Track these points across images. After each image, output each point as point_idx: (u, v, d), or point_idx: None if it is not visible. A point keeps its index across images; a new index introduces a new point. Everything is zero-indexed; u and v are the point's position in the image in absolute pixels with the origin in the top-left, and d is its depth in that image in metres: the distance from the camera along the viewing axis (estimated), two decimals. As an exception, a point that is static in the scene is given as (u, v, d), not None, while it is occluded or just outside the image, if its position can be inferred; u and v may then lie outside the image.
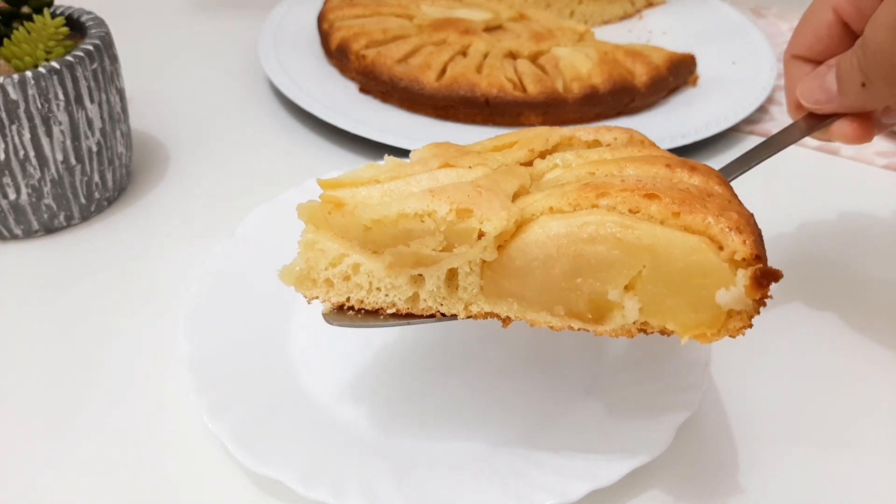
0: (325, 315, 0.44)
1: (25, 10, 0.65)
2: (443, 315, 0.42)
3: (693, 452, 0.50)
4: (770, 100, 0.90)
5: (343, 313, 0.43)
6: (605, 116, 0.83)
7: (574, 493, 0.43)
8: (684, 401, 0.48)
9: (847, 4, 0.49)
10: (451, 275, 0.41)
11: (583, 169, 0.41)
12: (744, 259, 0.35)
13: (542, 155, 0.45)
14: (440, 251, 0.39)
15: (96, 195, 0.68)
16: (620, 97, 0.82)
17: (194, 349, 0.51)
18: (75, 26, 0.68)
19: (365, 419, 0.50)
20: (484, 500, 0.44)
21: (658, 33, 1.06)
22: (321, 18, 0.94)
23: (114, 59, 0.67)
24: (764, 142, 0.53)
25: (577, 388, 0.52)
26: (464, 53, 0.86)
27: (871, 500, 0.48)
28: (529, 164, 0.45)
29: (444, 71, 0.83)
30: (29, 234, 0.66)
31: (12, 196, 0.62)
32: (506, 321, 0.41)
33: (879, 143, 0.83)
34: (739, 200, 0.41)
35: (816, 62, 0.53)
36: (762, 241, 0.37)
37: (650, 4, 1.13)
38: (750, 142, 0.84)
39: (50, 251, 0.65)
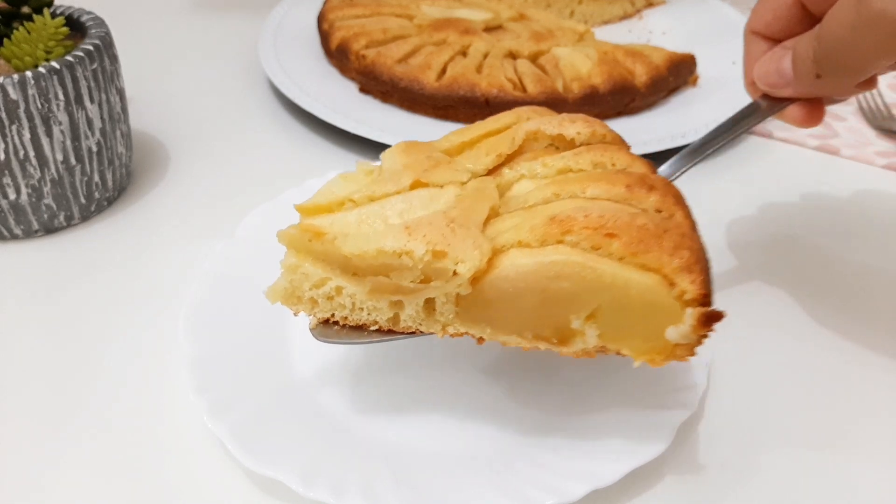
0: (311, 330, 0.46)
1: (25, 10, 0.65)
2: (422, 332, 0.45)
3: (693, 452, 0.50)
4: (770, 100, 0.90)
5: (329, 327, 0.46)
6: (605, 116, 0.83)
7: (574, 493, 0.43)
8: (684, 401, 0.48)
9: None
10: (429, 301, 0.43)
11: (548, 189, 0.43)
12: (693, 298, 0.38)
13: (511, 156, 0.47)
14: (418, 283, 0.42)
15: (96, 195, 0.68)
16: (620, 97, 0.82)
17: (194, 349, 0.51)
18: (75, 26, 0.68)
19: (365, 419, 0.50)
20: (484, 500, 0.44)
21: (658, 33, 1.06)
22: (321, 18, 0.94)
23: (114, 59, 0.67)
24: (725, 122, 0.53)
25: (577, 388, 0.52)
26: (464, 53, 0.86)
27: (871, 501, 0.48)
28: (498, 168, 0.47)
29: (444, 71, 0.83)
30: (29, 234, 0.66)
31: (12, 196, 0.62)
32: (480, 340, 0.44)
33: (879, 142, 0.83)
34: (694, 225, 0.43)
35: (774, 40, 0.52)
36: (710, 277, 0.40)
37: (650, 4, 1.13)
38: (750, 142, 0.84)
39: (50, 251, 0.65)
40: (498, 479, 0.45)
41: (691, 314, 0.38)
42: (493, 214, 0.43)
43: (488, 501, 0.43)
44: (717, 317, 0.38)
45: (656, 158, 0.79)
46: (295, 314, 0.46)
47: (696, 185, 0.76)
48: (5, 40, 0.63)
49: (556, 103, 0.80)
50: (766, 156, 0.82)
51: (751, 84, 0.54)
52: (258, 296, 0.53)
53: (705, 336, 0.39)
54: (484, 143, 0.49)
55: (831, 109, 0.89)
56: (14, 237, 0.66)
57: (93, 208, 0.68)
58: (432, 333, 0.44)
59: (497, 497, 0.43)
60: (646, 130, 0.80)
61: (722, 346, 0.56)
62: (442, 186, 0.45)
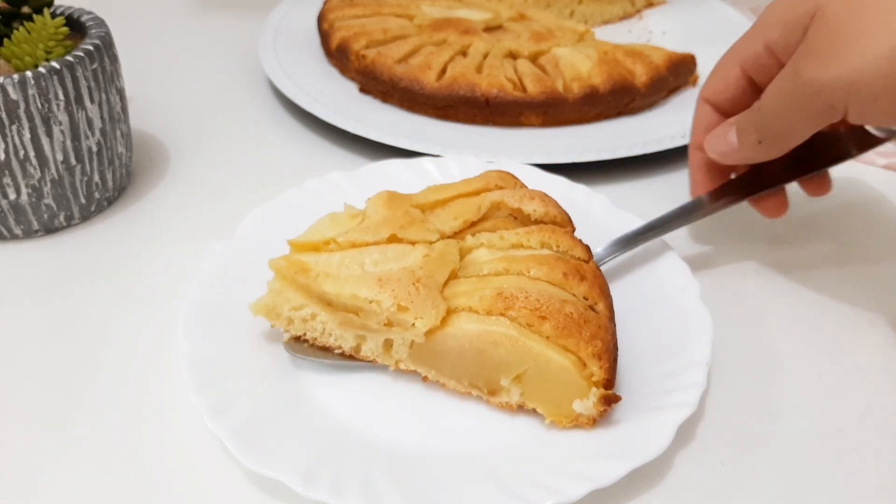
0: (284, 343, 0.53)
1: (25, 10, 0.65)
2: (378, 363, 0.53)
3: (693, 452, 0.50)
4: (770, 100, 0.90)
5: (300, 343, 0.53)
6: (606, 116, 0.83)
7: (574, 493, 0.43)
8: (684, 400, 0.48)
9: (752, 63, 0.55)
10: (388, 340, 0.51)
11: (500, 263, 0.52)
12: (598, 381, 0.47)
13: (476, 222, 0.57)
14: (382, 326, 0.50)
15: (96, 195, 0.68)
16: (620, 97, 0.82)
17: (194, 349, 0.51)
18: (75, 26, 0.68)
19: (365, 419, 0.50)
20: (484, 499, 0.44)
21: (658, 33, 1.06)
22: (321, 18, 0.94)
23: (114, 59, 0.67)
24: (664, 216, 0.60)
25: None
26: (464, 53, 0.86)
27: (871, 501, 0.48)
28: (463, 232, 0.56)
29: (444, 71, 0.83)
30: (29, 234, 0.66)
31: (12, 196, 0.62)
32: (425, 378, 0.52)
33: (879, 143, 0.83)
34: (611, 316, 0.51)
35: (723, 110, 0.59)
36: (615, 365, 0.48)
37: (650, 4, 1.13)
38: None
39: (50, 251, 0.65)
40: (498, 479, 0.45)
41: (595, 393, 0.46)
42: (452, 276, 0.52)
43: (488, 501, 0.43)
44: (615, 399, 0.47)
45: (656, 158, 0.79)
46: (272, 326, 0.53)
47: (696, 185, 0.76)
48: (5, 40, 0.63)
49: (556, 103, 0.80)
50: (766, 156, 0.82)
51: (696, 147, 0.61)
52: (258, 296, 0.53)
53: (605, 412, 0.47)
54: (455, 203, 0.57)
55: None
56: (14, 237, 0.66)
57: (93, 208, 0.68)
58: (387, 366, 0.52)
59: (497, 497, 0.43)
60: (646, 130, 0.80)
61: (722, 345, 0.56)
62: (413, 244, 0.53)
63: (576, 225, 0.58)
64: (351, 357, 0.53)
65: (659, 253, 0.60)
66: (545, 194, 0.58)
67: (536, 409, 0.49)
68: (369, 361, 0.53)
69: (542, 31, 0.91)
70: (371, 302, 0.49)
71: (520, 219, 0.58)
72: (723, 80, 0.58)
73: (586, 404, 0.47)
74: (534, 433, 0.49)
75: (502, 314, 0.48)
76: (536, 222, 0.57)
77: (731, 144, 0.56)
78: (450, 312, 0.49)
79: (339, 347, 0.53)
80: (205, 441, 0.49)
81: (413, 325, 0.49)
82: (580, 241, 0.55)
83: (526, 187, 0.60)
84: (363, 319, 0.50)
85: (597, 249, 0.59)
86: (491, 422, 0.50)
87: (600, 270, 0.54)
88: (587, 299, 0.51)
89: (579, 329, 0.47)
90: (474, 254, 0.54)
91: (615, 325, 0.51)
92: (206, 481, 0.47)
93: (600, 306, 0.51)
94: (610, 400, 0.46)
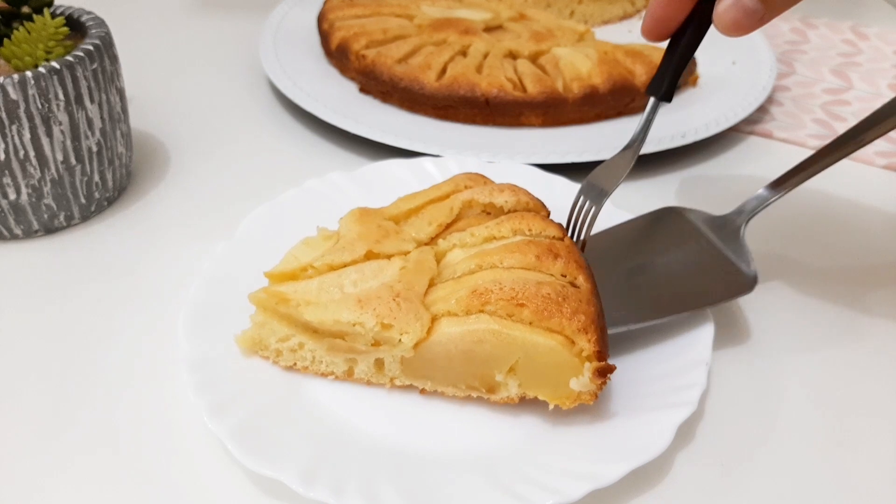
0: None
1: (25, 10, 0.65)
2: (373, 384, 0.52)
3: (693, 452, 0.50)
4: (770, 100, 0.90)
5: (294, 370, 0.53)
6: (605, 116, 0.83)
7: (574, 493, 0.43)
8: (684, 400, 0.48)
9: None
10: (379, 359, 0.51)
11: (472, 261, 0.52)
12: (589, 355, 0.46)
13: (450, 224, 0.57)
14: (369, 346, 0.50)
15: (96, 195, 0.68)
16: (620, 97, 0.82)
17: (194, 349, 0.51)
18: (75, 26, 0.68)
19: (365, 419, 0.50)
20: (484, 499, 0.44)
21: (658, 33, 1.06)
22: (321, 18, 0.94)
23: (114, 59, 0.67)
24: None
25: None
26: (464, 53, 0.86)
27: (871, 501, 0.48)
28: (437, 237, 0.56)
29: (444, 71, 0.83)
30: (29, 234, 0.66)
31: (12, 196, 0.62)
32: (423, 391, 0.52)
33: (879, 143, 0.83)
34: (593, 288, 0.50)
35: None
36: (605, 335, 0.48)
37: (650, 4, 1.13)
38: (750, 142, 0.84)
39: (50, 251, 0.65)
40: (498, 479, 0.45)
41: (588, 368, 0.46)
42: (431, 284, 0.52)
43: (488, 501, 0.43)
44: (609, 369, 0.46)
45: (656, 158, 0.79)
46: (263, 358, 0.53)
47: (695, 184, 0.76)
48: (5, 40, 0.63)
49: (556, 103, 0.80)
50: (766, 156, 0.82)
51: (649, 31, 0.53)
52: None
53: (603, 384, 0.47)
54: (427, 209, 0.57)
55: (832, 110, 0.89)
56: (14, 237, 0.66)
57: (93, 208, 0.68)
58: (382, 385, 0.52)
59: (497, 497, 0.44)
60: (646, 130, 0.80)
61: (722, 345, 0.56)
62: (389, 258, 0.53)
63: (566, 218, 0.58)
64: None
65: (659, 253, 0.60)
66: (514, 185, 0.58)
67: (538, 396, 0.49)
68: (363, 383, 0.52)
69: (542, 31, 0.91)
70: (354, 324, 0.48)
71: (493, 213, 0.57)
72: None
73: (582, 381, 0.46)
74: (534, 433, 0.49)
75: (480, 310, 0.48)
76: (511, 213, 0.56)
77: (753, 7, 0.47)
78: (432, 320, 0.49)
79: (332, 373, 0.52)
80: (205, 441, 0.49)
81: (400, 341, 0.48)
82: (552, 220, 0.55)
83: (494, 184, 0.60)
84: (350, 343, 0.50)
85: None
86: (490, 422, 0.50)
87: (576, 246, 0.54)
88: (566, 276, 0.50)
89: (559, 308, 0.47)
90: (449, 256, 0.54)
91: (599, 297, 0.51)
92: (206, 481, 0.47)
93: (580, 280, 0.50)
94: (605, 371, 0.46)
